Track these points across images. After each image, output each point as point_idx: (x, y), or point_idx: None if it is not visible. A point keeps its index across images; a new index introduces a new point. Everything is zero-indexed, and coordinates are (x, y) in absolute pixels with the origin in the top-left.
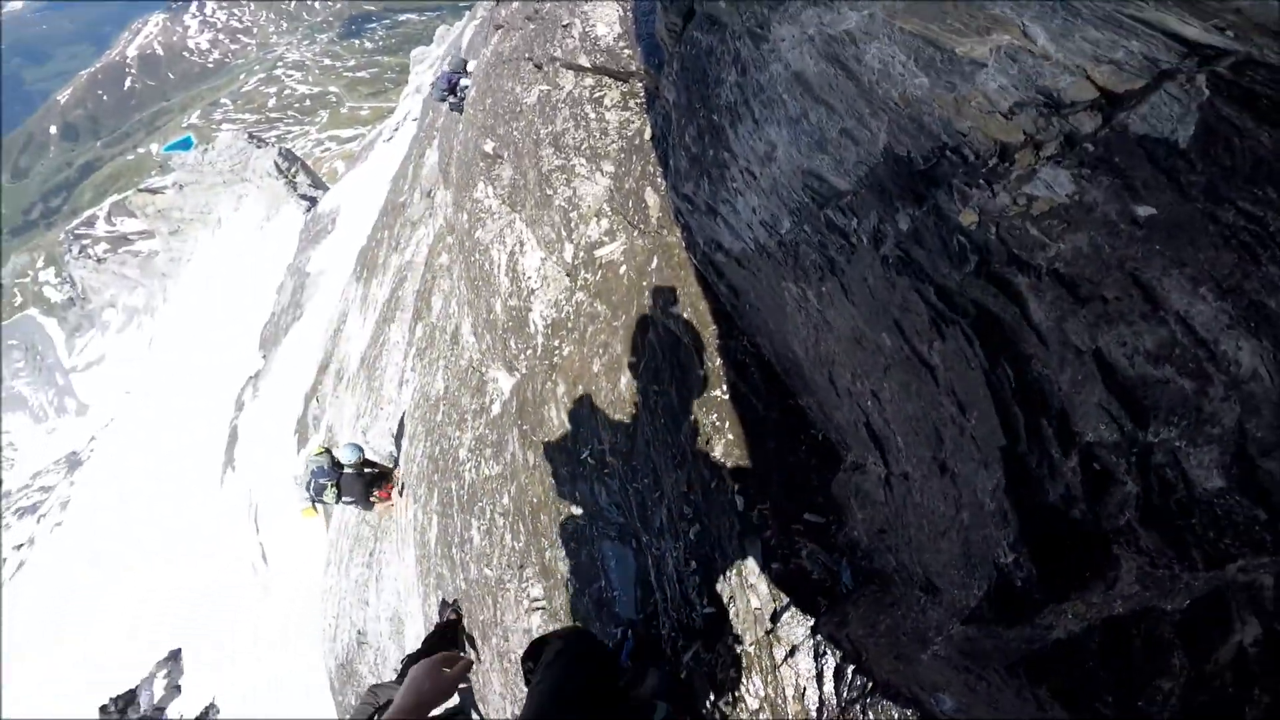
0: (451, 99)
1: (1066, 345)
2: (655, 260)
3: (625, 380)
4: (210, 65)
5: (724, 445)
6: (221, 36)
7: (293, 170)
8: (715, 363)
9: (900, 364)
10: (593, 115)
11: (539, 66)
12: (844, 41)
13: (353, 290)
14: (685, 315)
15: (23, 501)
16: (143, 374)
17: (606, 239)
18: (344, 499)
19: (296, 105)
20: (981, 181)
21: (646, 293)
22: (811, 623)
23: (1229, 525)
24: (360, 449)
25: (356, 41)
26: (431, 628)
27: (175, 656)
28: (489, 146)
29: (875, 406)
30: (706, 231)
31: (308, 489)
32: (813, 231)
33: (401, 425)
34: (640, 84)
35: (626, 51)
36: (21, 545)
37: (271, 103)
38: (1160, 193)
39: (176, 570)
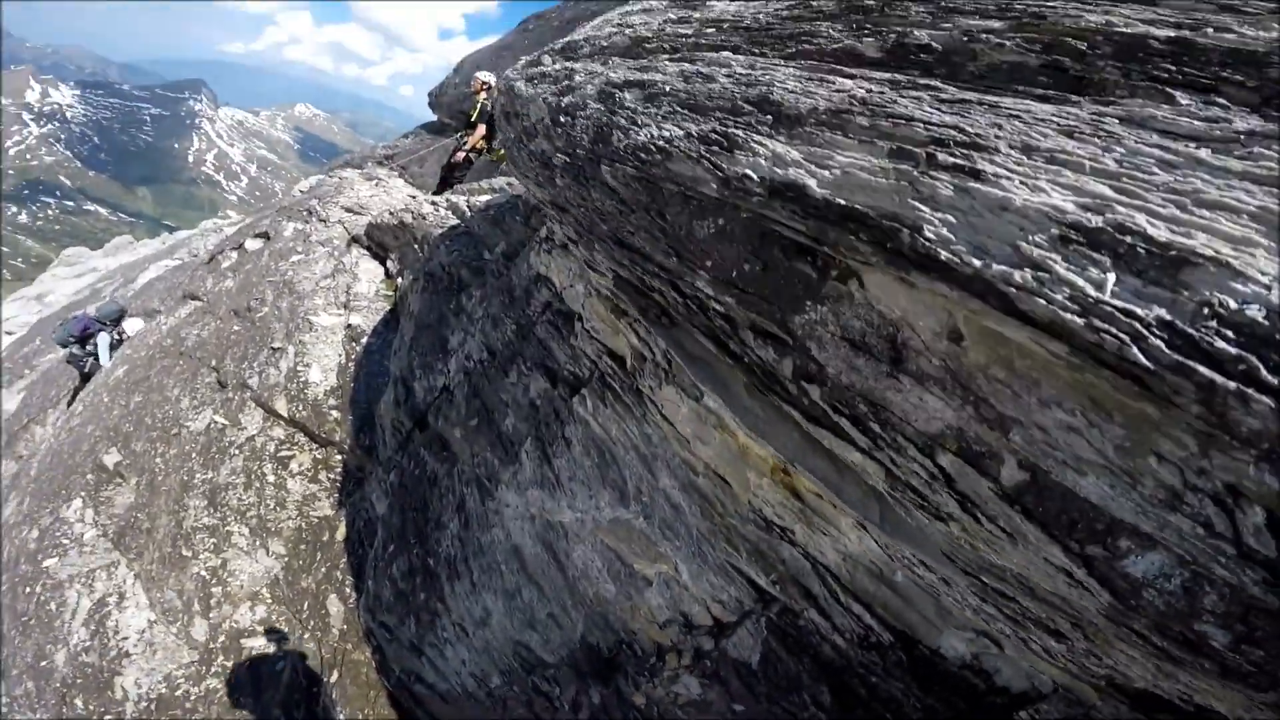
0: (76, 351)
1: None
2: (336, 674)
3: None
4: None
5: None
6: None
7: None
8: None
9: None
10: (272, 478)
11: (224, 385)
12: (558, 533)
13: None
14: None
15: None
16: None
17: (260, 628)
18: None
19: None
20: (647, 673)
21: (320, 701)
22: None
23: None
24: None
25: (16, 207)
26: None
27: None
28: (111, 459)
29: None
30: (407, 663)
31: None
32: (520, 691)
33: None
34: (340, 457)
35: (335, 413)
36: None
37: None
38: (745, 697)
39: None
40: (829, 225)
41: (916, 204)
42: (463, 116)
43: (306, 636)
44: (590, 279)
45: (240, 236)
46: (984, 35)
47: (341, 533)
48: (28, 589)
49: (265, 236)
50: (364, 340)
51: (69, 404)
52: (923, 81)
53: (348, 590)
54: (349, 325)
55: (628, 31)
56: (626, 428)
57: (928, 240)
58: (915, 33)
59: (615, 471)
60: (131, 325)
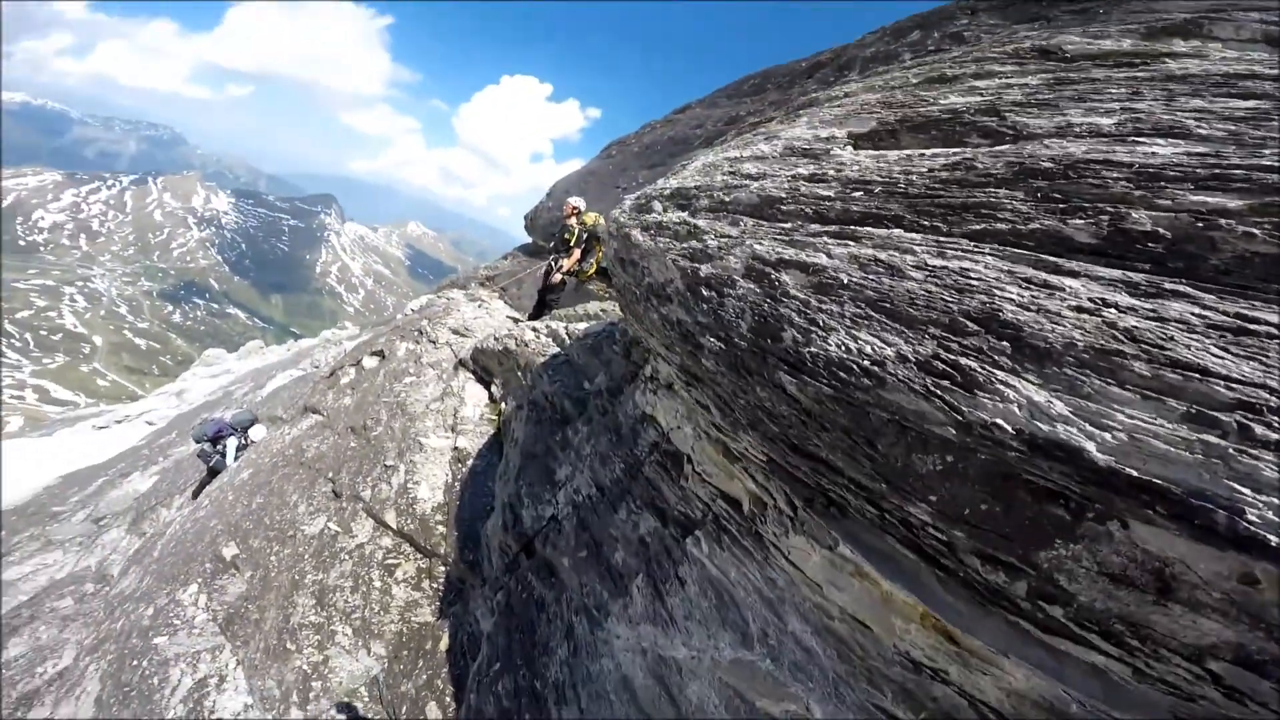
0: (207, 449)
1: None
2: None
3: None
4: (22, 244)
5: None
6: (70, 225)
7: None
8: None
9: None
10: (378, 584)
11: (338, 495)
12: (671, 669)
13: None
14: None
15: None
16: None
17: None
18: None
19: (44, 332)
20: None
21: None
22: None
23: None
24: None
25: (171, 306)
26: None
27: None
28: (229, 552)
29: None
30: None
31: None
32: None
33: None
34: (443, 568)
35: (440, 528)
36: None
37: (21, 315)
38: None
39: None
40: (1113, 493)
41: (1233, 484)
42: (555, 239)
43: None
44: (699, 422)
45: (358, 354)
46: (1222, 221)
47: (444, 644)
48: (135, 662)
49: (380, 355)
50: (469, 462)
51: (194, 494)
52: (1169, 287)
53: (447, 700)
54: (455, 447)
55: (752, 187)
56: (747, 571)
57: (1250, 523)
58: (1133, 214)
59: (735, 613)
60: (256, 432)
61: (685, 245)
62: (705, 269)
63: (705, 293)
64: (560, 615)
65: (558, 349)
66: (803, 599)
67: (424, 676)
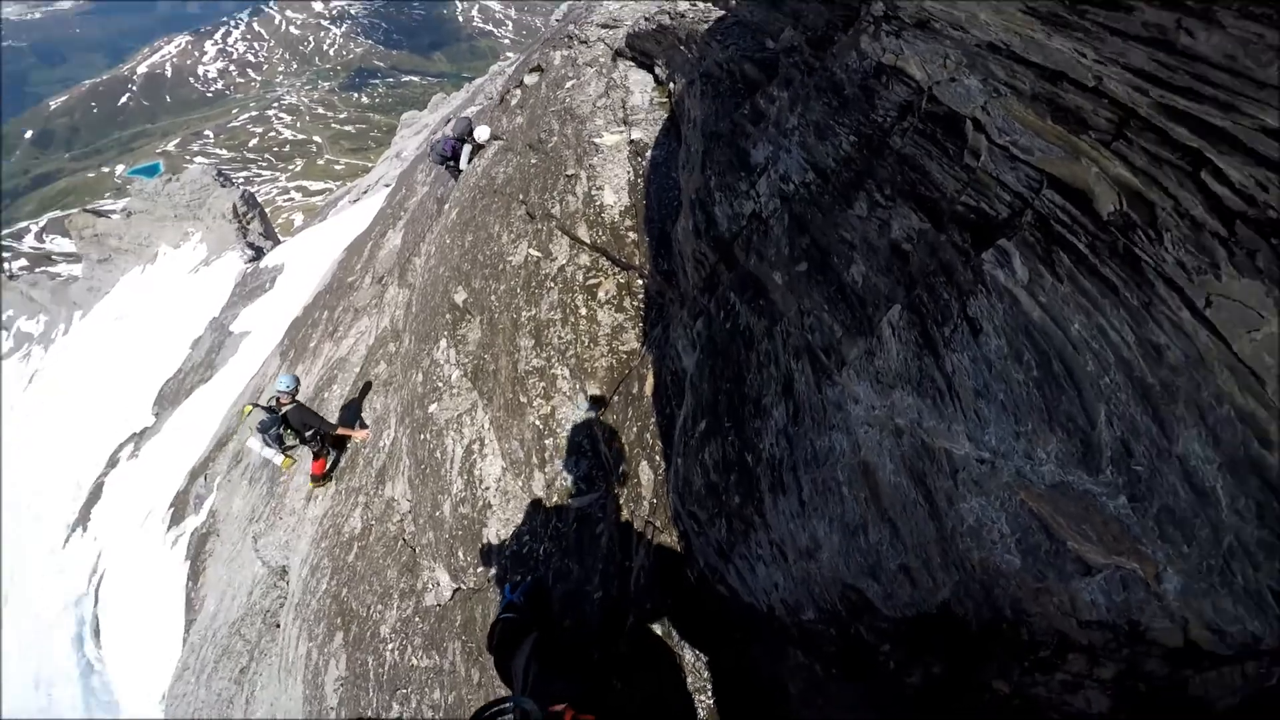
0: (452, 164)
1: None
2: (643, 555)
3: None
4: (210, 95)
5: None
6: (232, 68)
7: (249, 216)
8: (701, 677)
9: None
10: (583, 310)
11: (532, 217)
12: (939, 467)
13: (274, 366)
14: (672, 630)
15: None
16: (11, 408)
17: (585, 488)
18: (304, 437)
19: (276, 149)
20: (1026, 664)
21: (632, 575)
22: None
23: None
24: (296, 379)
25: (355, 94)
26: None
27: None
28: (460, 297)
29: None
30: (712, 560)
31: (268, 445)
32: (838, 635)
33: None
34: (640, 281)
35: (632, 235)
36: None
37: (253, 142)
38: None
39: None
40: None
41: None
42: None
43: (621, 504)
44: (991, 70)
45: (519, 74)
46: None
47: (650, 385)
48: (423, 435)
49: (539, 69)
50: (648, 154)
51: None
52: None
53: (657, 458)
54: (631, 141)
55: None
56: (1105, 324)
57: None
58: None
59: (1072, 401)
60: (480, 133)
61: None
62: None
63: None
64: (774, 358)
65: (721, 11)
66: (1215, 394)
67: (634, 429)
